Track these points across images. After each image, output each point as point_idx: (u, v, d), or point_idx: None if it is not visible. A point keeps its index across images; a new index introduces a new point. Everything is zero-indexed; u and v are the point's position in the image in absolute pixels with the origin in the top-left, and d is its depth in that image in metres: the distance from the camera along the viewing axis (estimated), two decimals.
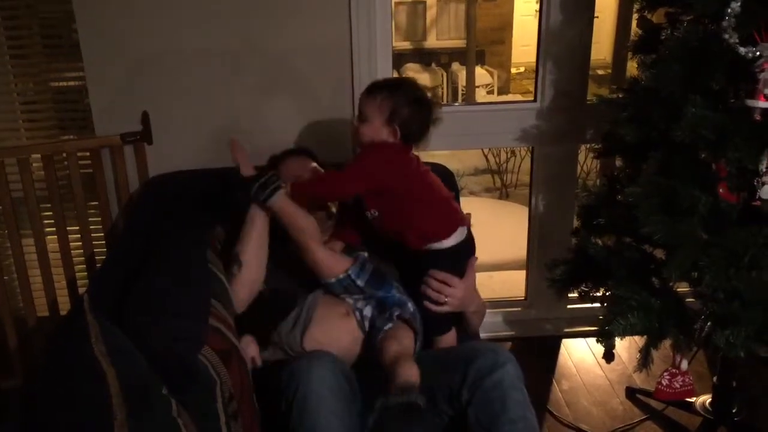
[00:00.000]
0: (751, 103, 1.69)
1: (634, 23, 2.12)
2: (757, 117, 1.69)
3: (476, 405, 1.55)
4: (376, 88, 1.82)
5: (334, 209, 2.02)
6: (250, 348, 1.71)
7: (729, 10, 1.65)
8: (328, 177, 1.91)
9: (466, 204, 2.11)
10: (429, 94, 1.84)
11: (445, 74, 10.16)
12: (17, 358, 2.50)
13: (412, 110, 1.78)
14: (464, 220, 1.88)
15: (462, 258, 1.88)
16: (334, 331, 1.77)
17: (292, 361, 1.58)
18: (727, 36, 1.66)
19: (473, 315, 1.96)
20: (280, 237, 1.85)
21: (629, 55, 2.14)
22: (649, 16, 2.05)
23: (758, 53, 1.64)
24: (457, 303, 1.85)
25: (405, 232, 1.82)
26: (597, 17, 2.55)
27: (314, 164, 2.06)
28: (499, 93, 10.30)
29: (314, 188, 1.87)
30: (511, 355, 1.61)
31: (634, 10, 2.08)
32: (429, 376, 1.59)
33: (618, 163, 2.25)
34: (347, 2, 2.35)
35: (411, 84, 1.86)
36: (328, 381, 1.50)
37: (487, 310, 2.06)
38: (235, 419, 1.46)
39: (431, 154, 1.90)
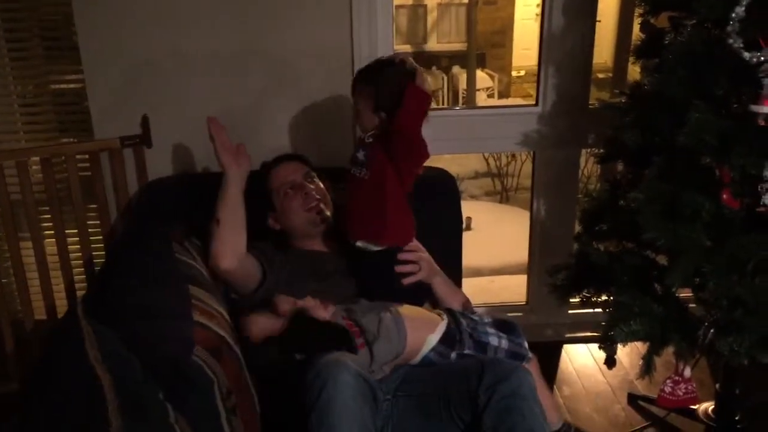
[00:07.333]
0: (755, 108, 1.68)
1: (636, 27, 2.11)
2: (761, 122, 1.68)
3: (492, 411, 1.53)
4: (359, 79, 1.89)
5: (328, 212, 2.03)
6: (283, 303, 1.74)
7: (733, 15, 1.63)
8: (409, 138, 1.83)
9: (467, 207, 2.11)
10: (412, 63, 1.82)
11: (445, 77, 10.18)
12: (14, 362, 2.48)
13: (396, 97, 1.76)
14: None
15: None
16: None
17: (319, 359, 1.54)
18: (731, 41, 1.65)
19: (442, 285, 2.02)
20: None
21: (630, 59, 2.13)
22: (652, 21, 2.04)
23: (762, 58, 1.63)
24: (427, 266, 1.95)
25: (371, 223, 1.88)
26: (599, 21, 2.55)
27: (307, 169, 2.08)
28: (500, 96, 10.32)
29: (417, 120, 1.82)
30: (528, 370, 1.63)
31: (637, 14, 2.07)
32: (447, 381, 1.64)
33: (620, 168, 2.23)
34: (348, 5, 2.34)
35: (391, 63, 1.84)
36: (353, 388, 1.47)
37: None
38: (234, 413, 1.45)
39: (431, 157, 1.89)
